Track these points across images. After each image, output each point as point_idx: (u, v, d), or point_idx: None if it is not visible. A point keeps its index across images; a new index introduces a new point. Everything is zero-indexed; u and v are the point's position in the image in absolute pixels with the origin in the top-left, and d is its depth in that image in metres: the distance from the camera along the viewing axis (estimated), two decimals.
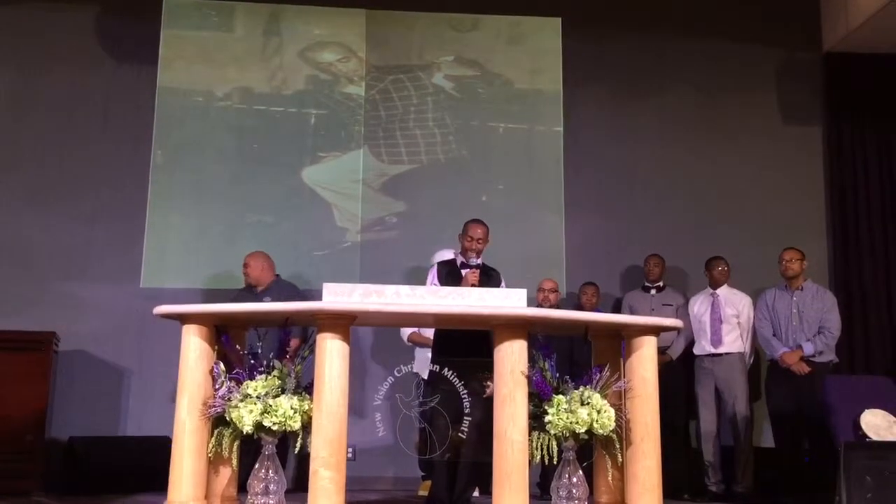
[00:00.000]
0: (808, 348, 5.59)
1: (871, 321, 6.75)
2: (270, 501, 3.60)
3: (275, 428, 3.55)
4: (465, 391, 3.83)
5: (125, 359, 6.34)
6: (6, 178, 6.52)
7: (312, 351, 3.67)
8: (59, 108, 6.70)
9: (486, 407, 3.86)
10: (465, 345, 4.28)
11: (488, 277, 4.89)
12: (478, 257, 4.90)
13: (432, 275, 5.01)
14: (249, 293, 5.94)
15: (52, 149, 6.63)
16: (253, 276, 5.96)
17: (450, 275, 4.91)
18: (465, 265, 4.90)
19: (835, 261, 6.89)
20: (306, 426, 3.58)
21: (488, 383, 3.70)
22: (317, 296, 6.10)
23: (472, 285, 4.58)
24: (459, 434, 3.93)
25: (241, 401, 3.58)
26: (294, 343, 5.66)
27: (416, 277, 6.29)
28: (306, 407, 3.59)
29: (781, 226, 6.78)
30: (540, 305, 5.77)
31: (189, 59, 6.92)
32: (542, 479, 5.61)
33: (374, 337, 6.47)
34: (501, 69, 7.18)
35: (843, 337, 5.94)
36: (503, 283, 4.96)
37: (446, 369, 3.83)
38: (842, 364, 6.02)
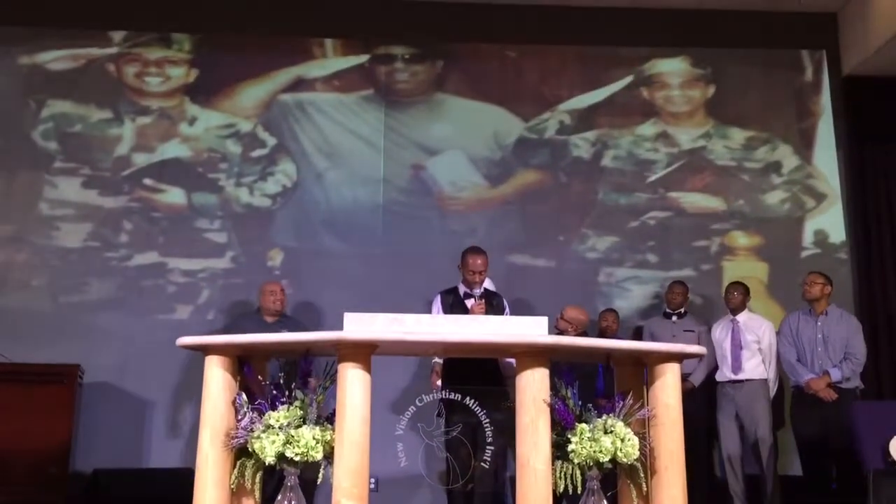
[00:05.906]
0: (836, 374, 5.52)
1: None
2: None
3: (297, 458, 3.54)
4: (487, 420, 3.81)
5: (149, 391, 6.36)
6: None
7: (333, 381, 3.68)
8: None
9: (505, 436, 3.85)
10: (475, 372, 4.27)
11: (492, 305, 4.87)
12: (480, 286, 4.88)
13: (436, 305, 4.98)
14: (259, 320, 5.75)
15: None
16: (280, 305, 5.78)
17: (454, 305, 4.88)
18: (468, 294, 4.87)
19: (859, 286, 6.81)
20: (328, 456, 3.58)
21: None
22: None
23: None
24: (482, 464, 3.91)
25: (264, 431, 3.58)
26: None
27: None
28: (328, 437, 3.59)
29: (803, 250, 6.72)
30: (561, 333, 5.69)
31: None
32: None
33: (395, 366, 6.45)
34: None
35: (870, 362, 5.86)
36: (507, 309, 4.93)
37: (468, 398, 3.82)
38: (868, 390, 5.94)
